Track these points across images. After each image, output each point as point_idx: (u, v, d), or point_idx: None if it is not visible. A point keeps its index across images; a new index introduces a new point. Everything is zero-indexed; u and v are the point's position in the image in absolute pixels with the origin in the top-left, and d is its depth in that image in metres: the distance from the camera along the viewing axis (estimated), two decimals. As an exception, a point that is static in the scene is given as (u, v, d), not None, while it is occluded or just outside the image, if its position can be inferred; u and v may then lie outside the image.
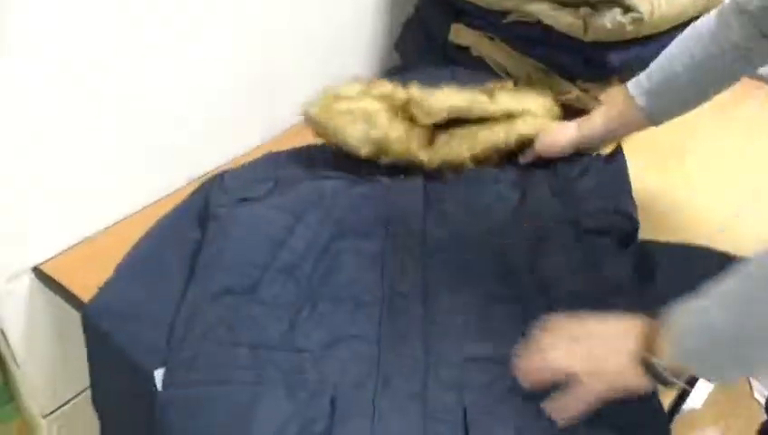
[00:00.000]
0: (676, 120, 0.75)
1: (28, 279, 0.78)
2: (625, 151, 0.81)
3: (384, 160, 0.80)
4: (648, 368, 0.49)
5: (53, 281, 0.76)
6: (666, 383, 0.49)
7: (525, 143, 0.81)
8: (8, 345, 0.81)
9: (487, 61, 0.95)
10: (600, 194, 0.75)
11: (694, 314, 0.48)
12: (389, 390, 0.58)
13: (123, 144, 0.78)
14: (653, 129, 0.76)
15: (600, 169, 0.79)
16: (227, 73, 0.86)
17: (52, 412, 0.88)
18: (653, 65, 0.72)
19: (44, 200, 0.74)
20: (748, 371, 0.78)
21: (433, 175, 0.81)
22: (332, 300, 0.66)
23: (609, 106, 0.77)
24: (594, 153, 0.82)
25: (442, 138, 0.80)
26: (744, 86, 0.77)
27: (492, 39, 0.85)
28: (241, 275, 0.66)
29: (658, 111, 0.73)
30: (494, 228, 0.73)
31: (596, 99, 0.89)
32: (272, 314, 0.64)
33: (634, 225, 0.72)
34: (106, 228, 0.81)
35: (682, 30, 0.74)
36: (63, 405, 0.88)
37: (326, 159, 0.82)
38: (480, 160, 0.81)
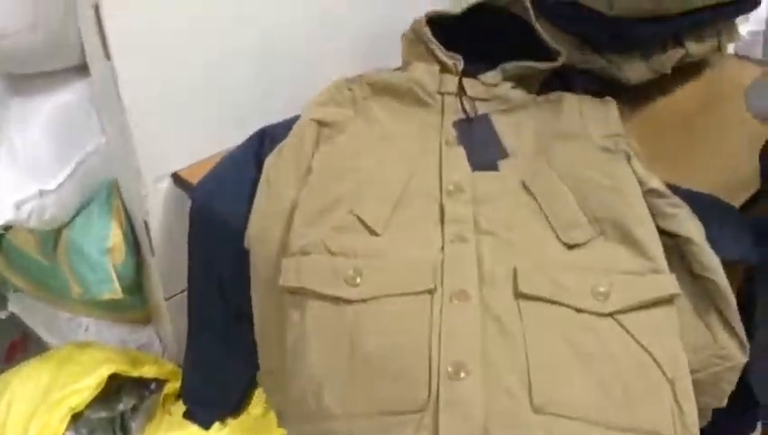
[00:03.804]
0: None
1: (168, 182, 0.99)
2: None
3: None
4: None
5: (187, 183, 0.96)
6: None
7: None
8: (148, 235, 1.01)
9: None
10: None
11: None
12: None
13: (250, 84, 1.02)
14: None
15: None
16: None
17: (173, 296, 1.09)
18: None
19: (184, 124, 0.97)
20: None
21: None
22: None
23: None
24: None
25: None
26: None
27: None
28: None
29: None
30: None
31: (619, 68, 1.08)
32: None
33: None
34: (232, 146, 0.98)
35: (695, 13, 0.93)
36: (183, 290, 1.05)
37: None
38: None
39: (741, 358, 0.75)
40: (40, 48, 0.91)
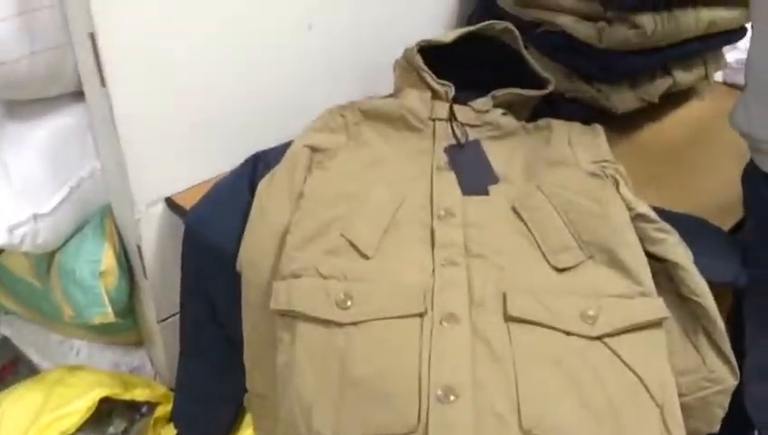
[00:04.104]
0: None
1: (161, 207, 1.00)
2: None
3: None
4: None
5: (180, 208, 0.97)
6: None
7: None
8: (141, 258, 1.01)
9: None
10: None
11: None
12: None
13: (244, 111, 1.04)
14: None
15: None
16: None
17: (165, 319, 1.10)
18: None
19: (178, 149, 0.98)
20: None
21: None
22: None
23: None
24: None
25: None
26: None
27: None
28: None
29: None
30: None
31: (608, 98, 1.10)
32: None
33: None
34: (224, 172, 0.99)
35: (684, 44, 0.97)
36: (176, 314, 1.07)
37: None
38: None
39: (731, 381, 0.76)
40: (38, 76, 0.92)
